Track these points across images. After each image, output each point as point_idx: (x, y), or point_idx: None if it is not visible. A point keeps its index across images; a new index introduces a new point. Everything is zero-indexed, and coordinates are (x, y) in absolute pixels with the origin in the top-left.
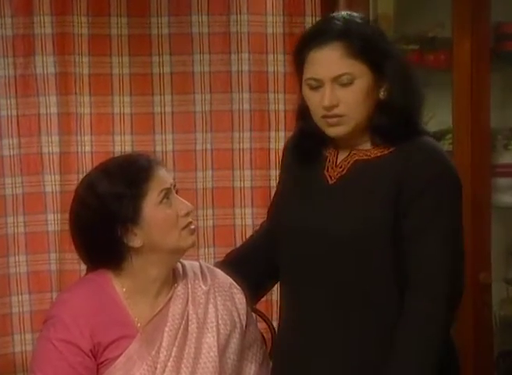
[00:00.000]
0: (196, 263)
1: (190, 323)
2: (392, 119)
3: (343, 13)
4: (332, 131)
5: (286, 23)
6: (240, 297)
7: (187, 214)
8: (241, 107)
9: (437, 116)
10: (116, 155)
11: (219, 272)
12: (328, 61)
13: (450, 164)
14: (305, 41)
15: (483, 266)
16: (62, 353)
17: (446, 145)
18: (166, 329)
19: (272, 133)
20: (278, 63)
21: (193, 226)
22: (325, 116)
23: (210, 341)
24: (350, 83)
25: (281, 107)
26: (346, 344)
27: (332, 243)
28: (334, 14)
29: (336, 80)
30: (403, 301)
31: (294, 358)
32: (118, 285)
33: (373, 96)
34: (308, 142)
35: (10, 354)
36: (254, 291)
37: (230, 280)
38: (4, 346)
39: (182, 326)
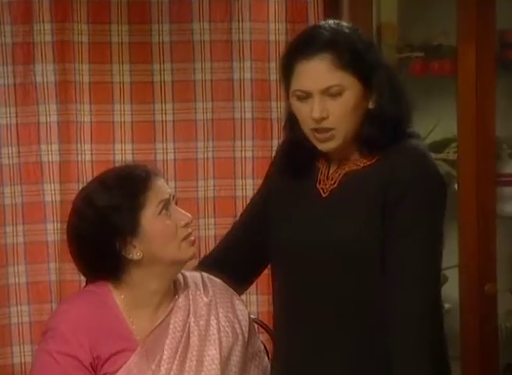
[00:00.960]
0: (197, 274)
1: (191, 335)
2: (382, 130)
3: (331, 22)
4: (323, 147)
5: (289, 31)
6: (241, 308)
7: (187, 225)
8: (243, 115)
9: (441, 124)
10: (117, 163)
11: (221, 283)
12: (316, 73)
13: (432, 165)
14: (292, 52)
15: (488, 276)
16: (62, 366)
17: (450, 154)
18: (167, 341)
19: (275, 142)
20: None
21: (193, 238)
22: (314, 129)
23: (212, 353)
24: (339, 94)
25: (283, 115)
26: (344, 355)
27: (330, 256)
28: (321, 23)
29: (324, 92)
30: None
31: (293, 365)
32: (118, 297)
33: (362, 107)
34: (299, 153)
35: (9, 365)
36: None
37: (231, 291)
38: (3, 357)
39: (183, 339)
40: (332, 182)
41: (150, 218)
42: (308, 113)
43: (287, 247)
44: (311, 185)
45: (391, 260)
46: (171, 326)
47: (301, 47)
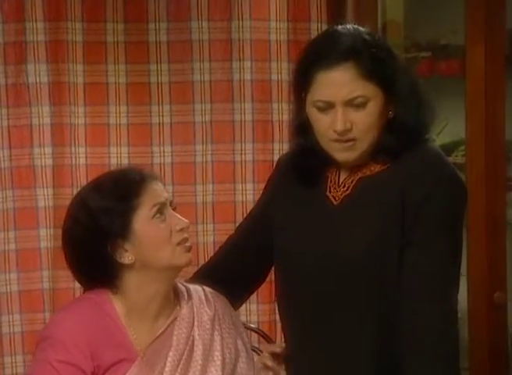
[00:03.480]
0: (198, 288)
1: (195, 348)
2: (402, 140)
3: (349, 27)
4: (343, 157)
5: (291, 30)
6: (242, 325)
7: (182, 230)
8: (243, 117)
9: (450, 126)
10: (112, 167)
11: (222, 297)
12: (341, 83)
13: (451, 168)
14: (311, 60)
15: (498, 285)
16: None
17: (458, 157)
18: (170, 353)
19: (276, 145)
20: (282, 71)
21: (188, 244)
22: (337, 140)
23: (215, 369)
24: (363, 105)
25: (285, 117)
26: (359, 362)
27: (345, 265)
28: (339, 28)
29: (348, 102)
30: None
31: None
32: (117, 305)
33: (384, 116)
34: (310, 161)
35: None
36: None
37: (230, 307)
38: None
39: (186, 352)
40: (345, 189)
41: (142, 221)
42: (328, 124)
43: (296, 256)
44: (319, 193)
45: (411, 268)
46: (174, 338)
47: (322, 55)
